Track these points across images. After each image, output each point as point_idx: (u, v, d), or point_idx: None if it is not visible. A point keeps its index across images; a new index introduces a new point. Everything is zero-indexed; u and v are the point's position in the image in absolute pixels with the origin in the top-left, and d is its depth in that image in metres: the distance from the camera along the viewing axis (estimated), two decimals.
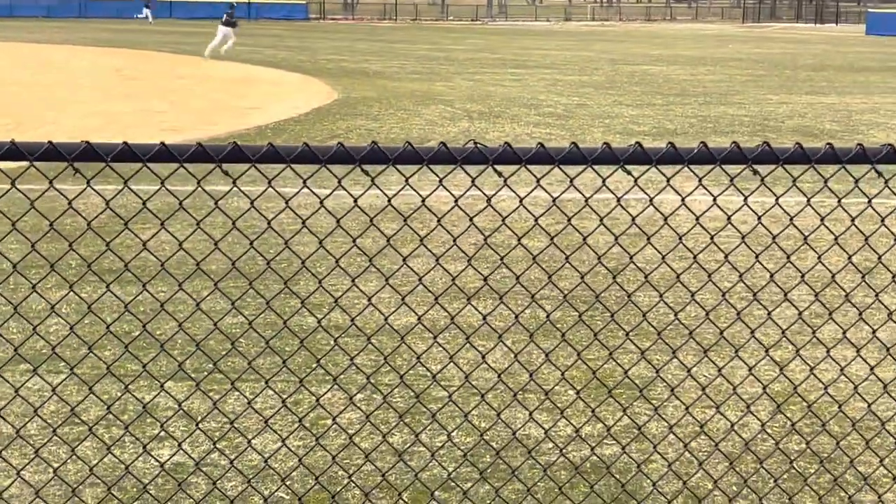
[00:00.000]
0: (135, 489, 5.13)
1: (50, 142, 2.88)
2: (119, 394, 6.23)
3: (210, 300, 8.24)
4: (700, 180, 3.46)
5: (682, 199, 3.57)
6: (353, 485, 5.17)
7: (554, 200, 3.39)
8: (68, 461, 5.34)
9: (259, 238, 3.50)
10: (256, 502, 5.00)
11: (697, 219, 3.39)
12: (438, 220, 3.41)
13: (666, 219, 3.62)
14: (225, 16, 40.65)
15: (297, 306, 8.17)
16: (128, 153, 2.97)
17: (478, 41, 58.49)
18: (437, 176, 3.26)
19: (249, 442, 4.10)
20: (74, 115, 21.89)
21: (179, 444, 4.01)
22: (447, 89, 29.33)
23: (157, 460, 5.22)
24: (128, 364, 6.71)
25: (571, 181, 3.26)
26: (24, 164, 2.82)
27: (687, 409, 4.68)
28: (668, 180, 3.29)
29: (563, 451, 4.42)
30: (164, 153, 2.99)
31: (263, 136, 18.61)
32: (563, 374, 4.11)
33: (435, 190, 3.27)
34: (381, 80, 31.64)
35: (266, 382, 3.63)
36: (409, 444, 5.72)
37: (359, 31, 73.44)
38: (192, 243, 9.79)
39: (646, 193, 3.29)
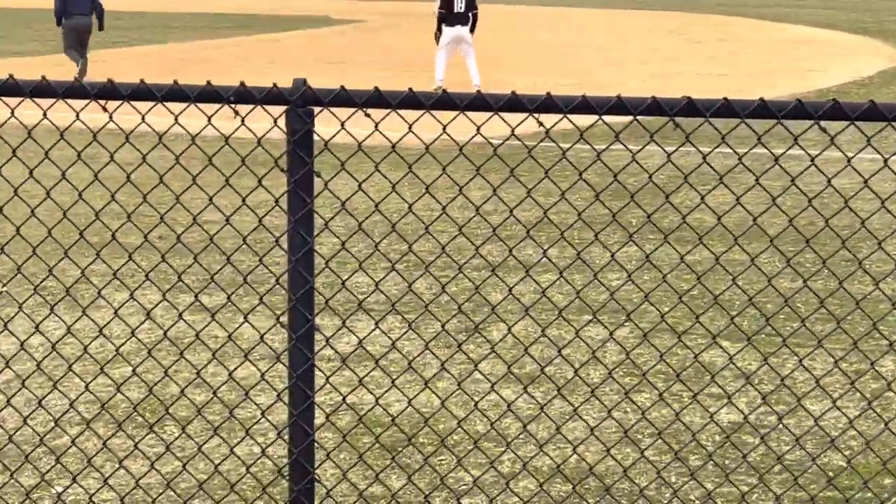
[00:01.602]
0: (686, 438, 5.29)
1: (583, 95, 3.09)
2: (671, 347, 6.40)
3: (769, 262, 8.21)
4: None
5: None
6: None
7: None
8: (628, 409, 5.59)
9: (817, 198, 3.48)
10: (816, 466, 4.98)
11: None
12: None
13: None
14: None
15: (847, 272, 7.95)
16: (727, 109, 3.07)
17: None
18: None
19: (799, 401, 4.09)
20: (635, 76, 22.43)
21: (729, 398, 4.09)
22: None
23: (717, 424, 5.32)
24: (686, 321, 6.83)
25: None
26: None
27: None
28: None
29: None
30: (725, 109, 3.06)
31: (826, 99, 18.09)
32: None
33: None
34: None
35: (819, 342, 3.63)
36: None
37: None
38: (749, 203, 9.77)
39: None
